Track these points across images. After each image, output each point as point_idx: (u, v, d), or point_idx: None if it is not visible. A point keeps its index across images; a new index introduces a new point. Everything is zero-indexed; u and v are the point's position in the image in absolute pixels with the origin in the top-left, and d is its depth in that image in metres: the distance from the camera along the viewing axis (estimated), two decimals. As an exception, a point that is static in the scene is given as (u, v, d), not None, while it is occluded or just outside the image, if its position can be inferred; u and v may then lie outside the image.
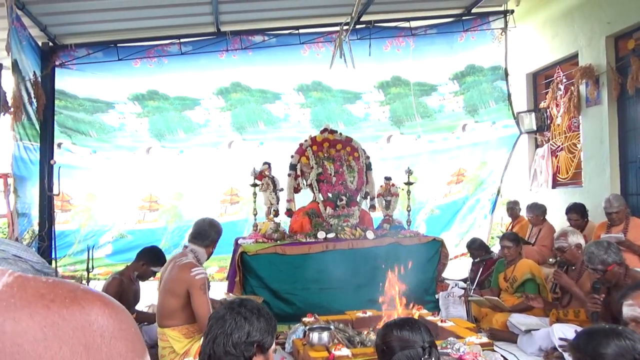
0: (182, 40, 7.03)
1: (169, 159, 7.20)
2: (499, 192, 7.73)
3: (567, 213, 5.57)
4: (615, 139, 6.05)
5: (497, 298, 4.54)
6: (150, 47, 7.03)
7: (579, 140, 6.71)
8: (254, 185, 5.37)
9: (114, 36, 6.87)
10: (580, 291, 3.90)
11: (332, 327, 3.64)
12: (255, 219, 5.45)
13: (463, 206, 7.72)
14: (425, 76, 7.59)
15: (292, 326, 4.16)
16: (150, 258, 4.19)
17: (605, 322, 3.45)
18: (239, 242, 5.08)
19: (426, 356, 1.63)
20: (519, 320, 4.12)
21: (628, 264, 4.41)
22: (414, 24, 7.39)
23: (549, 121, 7.22)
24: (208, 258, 3.51)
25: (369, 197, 5.77)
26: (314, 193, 5.53)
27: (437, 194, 7.65)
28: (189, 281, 3.15)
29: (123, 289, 4.07)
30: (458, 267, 7.03)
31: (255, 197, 5.39)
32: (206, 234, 3.42)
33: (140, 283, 4.36)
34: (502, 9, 7.73)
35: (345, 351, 3.26)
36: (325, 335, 3.41)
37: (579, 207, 5.51)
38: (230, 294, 4.65)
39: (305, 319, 4.12)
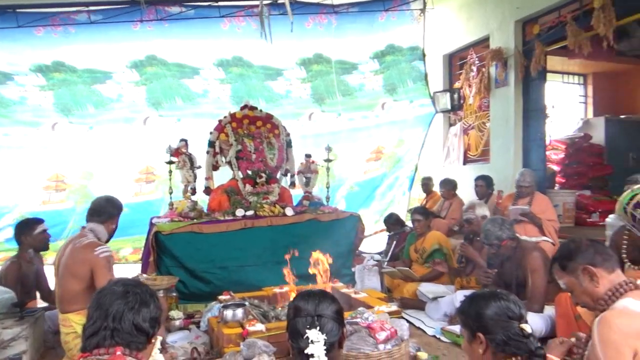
0: (91, 8, 6.56)
1: (78, 135, 6.76)
2: (416, 169, 8.04)
3: (475, 180, 6.01)
4: (520, 118, 6.46)
5: (408, 269, 4.76)
6: (55, 14, 6.51)
7: (488, 120, 7.09)
8: (170, 162, 5.19)
9: (11, 0, 6.28)
10: (484, 262, 4.18)
11: (246, 303, 3.64)
12: (171, 198, 5.29)
13: (382, 183, 7.96)
14: (347, 54, 7.65)
15: (209, 305, 4.12)
16: (22, 229, 3.98)
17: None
18: (153, 221, 4.91)
19: (308, 325, 1.67)
20: (427, 288, 4.36)
21: (529, 233, 4.79)
22: (336, 1, 7.39)
23: (462, 101, 7.56)
24: (110, 236, 3.37)
25: (289, 174, 5.79)
26: (233, 170, 5.45)
27: (357, 171, 7.81)
28: (93, 261, 3.01)
29: (23, 273, 3.82)
30: (378, 242, 7.27)
31: (171, 175, 5.22)
32: (102, 209, 3.28)
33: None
34: (417, -11, 7.91)
35: (259, 326, 3.28)
36: (239, 311, 3.41)
37: (487, 177, 5.99)
38: (144, 275, 4.51)
39: (221, 297, 4.09)
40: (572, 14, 5.74)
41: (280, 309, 3.76)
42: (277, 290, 4.32)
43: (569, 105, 8.86)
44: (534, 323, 3.23)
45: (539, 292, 3.49)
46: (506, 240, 3.66)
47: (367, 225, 6.81)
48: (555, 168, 7.35)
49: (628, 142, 7.60)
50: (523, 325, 1.70)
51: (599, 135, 7.58)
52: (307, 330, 1.65)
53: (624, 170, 6.38)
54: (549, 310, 3.43)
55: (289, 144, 5.80)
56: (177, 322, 3.95)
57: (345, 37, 7.55)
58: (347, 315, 2.88)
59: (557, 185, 7.15)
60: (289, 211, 5.13)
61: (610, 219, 4.01)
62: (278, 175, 5.63)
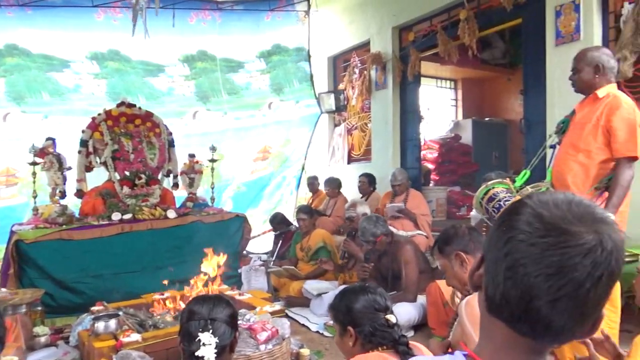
0: None
1: None
2: (303, 168, 8.17)
3: (359, 177, 6.29)
4: (397, 119, 6.85)
5: (293, 267, 4.82)
6: None
7: (369, 120, 7.42)
8: (34, 163, 4.72)
9: None
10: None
11: (120, 313, 3.42)
12: (36, 202, 4.80)
13: (269, 183, 7.97)
14: (232, 52, 7.53)
15: (80, 317, 3.81)
16: None
17: (378, 284, 3.95)
18: (14, 229, 4.43)
19: (200, 328, 1.70)
20: (312, 286, 4.44)
21: (405, 228, 5.09)
22: (220, -3, 7.25)
23: (345, 102, 7.83)
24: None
25: (171, 175, 5.55)
26: (109, 172, 5.09)
27: (244, 171, 7.73)
28: None
29: None
30: (266, 242, 7.26)
31: (35, 178, 4.74)
32: None
33: None
34: (305, -9, 8.05)
35: (134, 336, 3.09)
36: (112, 322, 3.18)
37: (369, 174, 6.30)
38: (4, 289, 4.04)
39: (94, 308, 3.79)
40: (441, 23, 6.21)
41: (158, 316, 3.59)
42: (157, 296, 4.11)
43: (442, 108, 9.59)
44: (408, 312, 3.45)
45: (412, 282, 3.72)
46: (381, 235, 3.85)
47: (256, 225, 6.78)
48: (431, 166, 7.92)
49: (492, 142, 8.44)
50: (388, 316, 1.79)
51: (467, 136, 8.31)
52: (199, 333, 1.67)
53: (489, 167, 7.08)
54: (422, 299, 3.68)
55: (171, 144, 5.56)
56: (43, 339, 3.61)
57: (231, 35, 7.43)
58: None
59: (432, 182, 7.71)
60: (171, 213, 4.92)
61: (474, 212, 4.41)
62: (159, 176, 5.37)
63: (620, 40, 4.19)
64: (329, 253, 4.85)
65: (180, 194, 5.64)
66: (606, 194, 2.47)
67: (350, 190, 6.74)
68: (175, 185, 5.55)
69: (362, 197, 6.11)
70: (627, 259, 3.20)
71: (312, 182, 7.21)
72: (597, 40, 4.39)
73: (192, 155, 5.53)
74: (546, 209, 0.71)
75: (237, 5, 7.40)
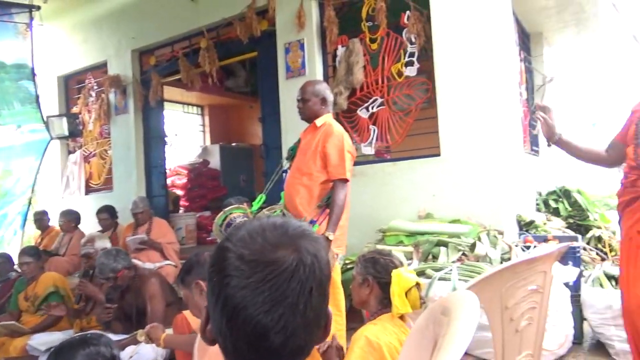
0: None
1: None
2: (30, 203, 7.02)
3: (97, 214, 5.60)
4: (141, 145, 6.52)
5: (14, 322, 4.04)
6: None
7: (109, 147, 6.88)
8: None
9: None
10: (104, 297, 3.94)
11: None
12: None
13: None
14: None
15: None
16: None
17: (123, 325, 3.62)
18: None
19: None
20: (39, 340, 3.79)
21: (152, 259, 4.82)
22: None
23: (81, 127, 7.09)
24: None
25: None
26: None
27: None
28: None
29: None
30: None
31: None
32: None
33: None
34: (27, 1, 7.04)
35: None
36: None
37: (108, 207, 5.64)
38: None
39: None
40: (183, 50, 6.21)
41: None
42: None
43: (190, 133, 9.57)
44: (148, 353, 3.23)
45: (157, 317, 3.50)
46: (122, 270, 3.55)
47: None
48: (180, 192, 7.77)
49: (239, 166, 8.78)
50: (116, 365, 1.62)
51: (215, 161, 8.46)
52: None
53: (238, 190, 7.31)
54: (169, 331, 3.50)
55: None
56: None
57: None
58: None
59: (182, 208, 7.56)
60: None
61: (220, 237, 4.45)
62: None
63: (336, 77, 4.87)
64: (62, 298, 4.23)
65: None
66: (328, 210, 2.78)
67: (89, 224, 6.07)
68: None
69: (106, 232, 5.53)
70: (348, 266, 3.67)
71: (40, 219, 6.23)
72: (319, 75, 5.00)
73: None
74: (245, 247, 0.72)
75: None
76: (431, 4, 4.31)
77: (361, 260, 2.09)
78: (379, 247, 3.78)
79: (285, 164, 3.21)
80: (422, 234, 3.75)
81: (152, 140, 6.56)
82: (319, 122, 2.95)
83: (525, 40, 6.30)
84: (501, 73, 4.26)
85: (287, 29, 5.08)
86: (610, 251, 4.36)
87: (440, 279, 3.06)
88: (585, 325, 3.33)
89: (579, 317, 3.27)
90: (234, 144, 9.23)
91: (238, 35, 5.37)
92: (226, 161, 8.54)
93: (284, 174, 3.28)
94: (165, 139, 6.77)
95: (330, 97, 3.04)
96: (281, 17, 5.13)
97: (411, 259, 3.54)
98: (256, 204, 3.02)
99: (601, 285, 3.24)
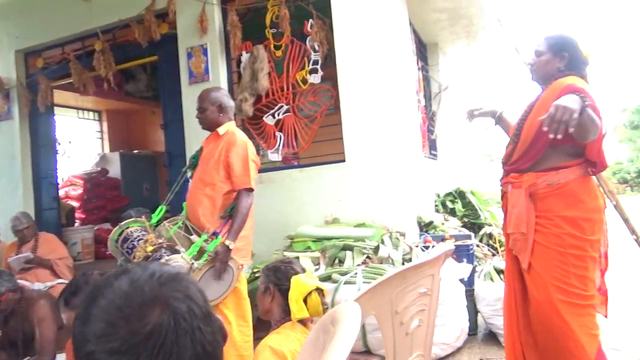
0: None
1: None
2: None
3: None
4: (28, 154, 5.99)
5: None
6: None
7: (-8, 156, 6.24)
8: None
9: None
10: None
11: None
12: None
13: None
14: None
15: None
16: None
17: (7, 353, 3.29)
18: None
19: None
20: None
21: (41, 279, 4.43)
22: None
23: (-43, 134, 6.36)
24: None
25: None
26: None
27: None
28: None
29: None
30: None
31: None
32: None
33: None
34: None
35: None
36: None
37: None
38: None
39: None
40: (75, 52, 5.80)
41: None
42: None
43: (86, 141, 8.95)
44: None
45: (47, 342, 3.23)
46: (6, 293, 3.23)
47: None
48: (75, 204, 7.23)
49: (142, 174, 8.36)
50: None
51: (115, 169, 7.99)
52: None
53: (141, 200, 6.97)
54: (61, 357, 3.24)
55: None
56: None
57: None
58: None
59: (77, 221, 7.04)
60: None
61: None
62: None
63: (241, 83, 4.81)
64: None
65: None
66: (231, 221, 2.72)
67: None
68: None
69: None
70: (256, 275, 3.63)
71: None
72: (224, 82, 4.92)
73: None
74: (110, 339, 0.65)
75: None
76: (333, 13, 4.41)
77: (264, 269, 2.08)
78: (287, 254, 3.79)
79: (188, 173, 3.10)
80: (329, 239, 3.81)
81: (41, 149, 6.04)
82: (221, 130, 2.88)
83: (422, 50, 6.67)
84: (400, 81, 4.46)
85: (189, 33, 4.94)
86: (500, 247, 4.73)
87: (346, 282, 3.12)
88: (479, 317, 3.58)
89: (473, 310, 3.50)
90: (135, 152, 8.78)
91: (137, 38, 5.12)
92: (127, 170, 8.10)
93: (187, 183, 3.17)
94: (57, 146, 6.27)
95: (228, 103, 2.97)
96: (182, 21, 4.98)
97: (318, 264, 3.58)
98: (155, 216, 2.88)
99: (492, 279, 3.49)
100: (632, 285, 4.72)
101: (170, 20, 5.07)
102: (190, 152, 4.80)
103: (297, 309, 1.89)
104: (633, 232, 3.95)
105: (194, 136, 4.76)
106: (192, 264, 2.50)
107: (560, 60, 2.26)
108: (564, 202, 2.07)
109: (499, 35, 6.76)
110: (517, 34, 7.09)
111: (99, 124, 9.31)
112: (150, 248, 2.57)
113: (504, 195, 2.34)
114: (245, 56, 4.82)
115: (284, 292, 1.96)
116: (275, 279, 2.00)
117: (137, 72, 8.24)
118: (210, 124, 2.94)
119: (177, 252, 2.56)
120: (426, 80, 6.69)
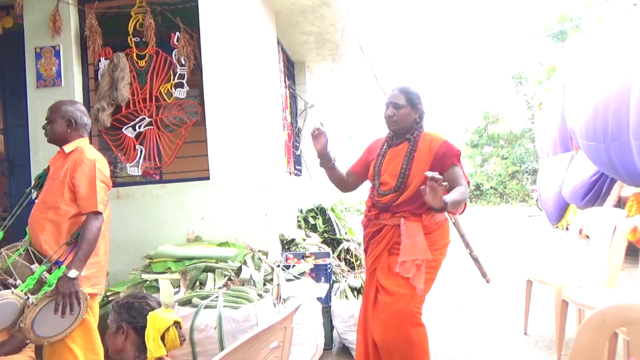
0: None
1: None
2: None
3: None
4: None
5: None
6: None
7: None
8: None
9: None
10: None
11: None
12: None
13: None
14: None
15: None
16: None
17: None
18: None
19: None
20: None
21: None
22: None
23: None
24: None
25: None
26: None
27: None
28: None
29: None
30: None
31: None
32: None
33: None
34: None
35: None
36: None
37: None
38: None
39: None
40: None
41: None
42: None
43: None
44: None
45: None
46: None
47: None
48: None
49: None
50: None
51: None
52: None
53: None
54: None
55: None
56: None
57: None
58: None
59: None
60: None
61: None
62: None
63: (99, 91, 4.50)
64: None
65: None
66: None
67: None
68: None
69: None
70: (109, 298, 3.43)
71: None
72: (78, 88, 4.56)
73: None
74: None
75: None
76: (201, 28, 4.35)
77: (115, 306, 1.98)
78: (145, 276, 3.64)
79: (33, 194, 2.81)
80: (190, 259, 3.73)
81: None
82: (67, 148, 2.66)
83: (290, 68, 6.88)
84: (267, 99, 4.56)
85: (39, 31, 4.50)
86: (356, 260, 5.06)
87: (207, 307, 3.09)
88: (335, 332, 3.79)
89: (329, 325, 3.71)
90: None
91: (-27, 31, 4.53)
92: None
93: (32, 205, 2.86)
94: None
95: (81, 120, 2.75)
96: (31, 17, 4.52)
97: (179, 286, 3.49)
98: (-12, 243, 2.57)
99: (346, 297, 3.73)
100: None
101: (17, 14, 4.57)
102: (35, 162, 4.37)
103: (155, 348, 1.84)
104: (467, 245, 4.52)
105: (42, 146, 4.34)
106: (27, 298, 2.28)
107: (416, 112, 2.66)
108: (442, 234, 2.66)
109: (361, 61, 7.24)
110: (377, 62, 7.65)
111: None
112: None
113: (380, 229, 2.68)
114: (104, 62, 4.54)
115: (140, 330, 1.89)
116: (129, 316, 1.92)
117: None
118: (55, 138, 2.71)
119: (7, 287, 2.31)
120: (293, 97, 6.91)
